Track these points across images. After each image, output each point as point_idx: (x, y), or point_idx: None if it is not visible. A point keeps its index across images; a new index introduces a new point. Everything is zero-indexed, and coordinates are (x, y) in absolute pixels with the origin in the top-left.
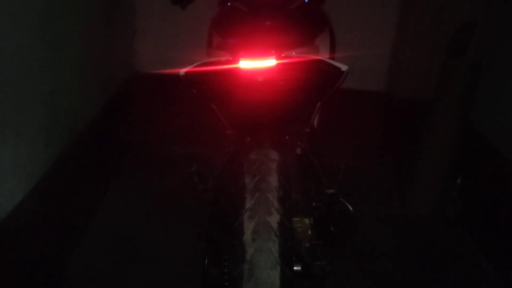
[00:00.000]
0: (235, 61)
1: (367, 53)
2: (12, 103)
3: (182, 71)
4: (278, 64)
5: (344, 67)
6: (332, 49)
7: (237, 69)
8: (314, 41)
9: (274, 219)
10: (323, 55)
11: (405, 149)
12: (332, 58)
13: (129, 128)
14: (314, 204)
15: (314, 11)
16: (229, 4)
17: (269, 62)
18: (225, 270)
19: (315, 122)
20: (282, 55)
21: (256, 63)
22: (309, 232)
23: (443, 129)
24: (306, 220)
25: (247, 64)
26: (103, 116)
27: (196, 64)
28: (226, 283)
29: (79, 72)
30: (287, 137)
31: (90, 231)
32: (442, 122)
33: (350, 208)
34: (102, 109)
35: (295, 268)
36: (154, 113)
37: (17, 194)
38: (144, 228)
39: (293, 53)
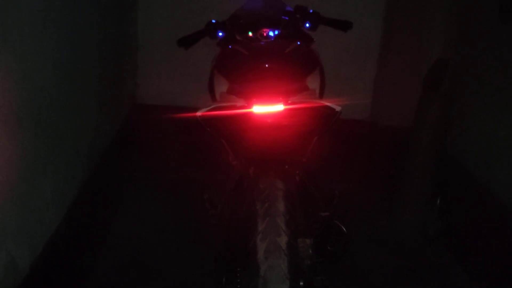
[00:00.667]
0: (249, 106)
1: (352, 86)
2: (50, 141)
3: (199, 113)
4: (285, 109)
5: (338, 108)
6: (322, 85)
7: (251, 113)
8: (307, 82)
9: (283, 240)
10: (315, 92)
11: (389, 174)
12: (323, 93)
13: (133, 158)
14: (312, 226)
15: (307, 53)
16: (230, 46)
17: (278, 108)
18: (239, 286)
19: (312, 152)
20: (289, 101)
21: (268, 109)
22: (310, 251)
23: (421, 156)
24: (307, 240)
25: (260, 109)
26: (113, 148)
27: (212, 107)
28: None
29: (96, 108)
30: (286, 167)
31: (105, 251)
32: (420, 149)
33: (344, 229)
34: (112, 141)
35: (300, 283)
36: (155, 143)
37: (55, 222)
38: (155, 251)
39: (296, 98)
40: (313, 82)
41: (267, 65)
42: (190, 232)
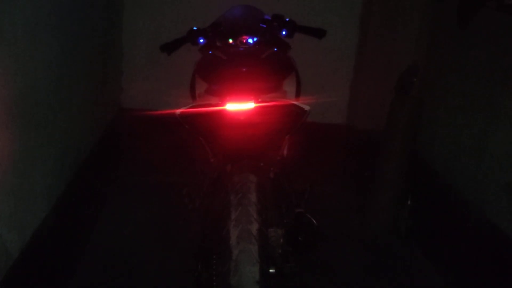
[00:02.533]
0: (223, 104)
1: (329, 91)
2: (39, 138)
3: (178, 110)
4: (256, 107)
5: (307, 107)
6: (298, 89)
7: (224, 110)
8: (283, 86)
9: (254, 227)
10: (291, 95)
11: (363, 174)
12: (298, 97)
13: (117, 160)
14: (285, 221)
15: (282, 58)
16: (210, 52)
17: (249, 105)
18: (214, 272)
19: (285, 152)
20: (259, 99)
21: (239, 106)
22: (281, 240)
23: (393, 157)
24: (279, 231)
25: (232, 107)
26: (98, 150)
27: (190, 105)
28: (214, 282)
29: (82, 109)
30: (262, 164)
31: (90, 247)
32: (391, 151)
33: (315, 222)
34: (97, 143)
35: (270, 270)
36: (139, 146)
37: (43, 212)
38: (135, 247)
39: (267, 97)
40: (288, 87)
41: (244, 69)
42: (171, 231)
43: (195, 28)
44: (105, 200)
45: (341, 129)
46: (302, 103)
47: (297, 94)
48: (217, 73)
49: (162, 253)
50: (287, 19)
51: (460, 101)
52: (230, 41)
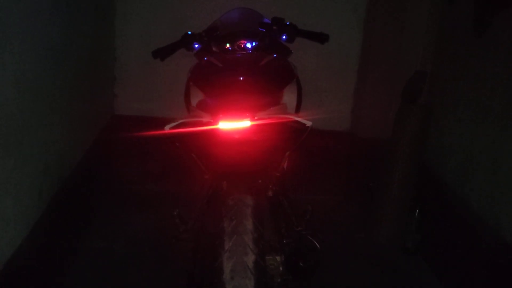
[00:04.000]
0: (215, 122)
1: (332, 97)
2: (13, 159)
3: (168, 126)
4: (252, 125)
5: (308, 123)
6: (299, 97)
7: (216, 129)
8: (284, 94)
9: (250, 259)
10: (291, 104)
11: (368, 186)
12: (300, 104)
13: (109, 168)
14: (285, 241)
15: (282, 65)
16: (205, 58)
17: (244, 124)
18: None
19: (285, 166)
20: (256, 117)
21: (234, 125)
22: (280, 268)
23: (399, 168)
24: (278, 258)
25: (226, 125)
26: (88, 158)
27: (179, 122)
28: None
29: (67, 121)
30: (260, 181)
31: (76, 268)
32: (398, 161)
33: (317, 245)
34: (87, 153)
35: None
36: (132, 154)
37: (17, 239)
38: (125, 265)
39: (265, 113)
40: (289, 95)
41: (241, 78)
42: (164, 245)
43: (189, 32)
44: (96, 213)
45: (345, 137)
46: (303, 117)
47: (298, 102)
48: (211, 84)
49: (154, 273)
50: (288, 23)
51: (472, 110)
52: (227, 45)
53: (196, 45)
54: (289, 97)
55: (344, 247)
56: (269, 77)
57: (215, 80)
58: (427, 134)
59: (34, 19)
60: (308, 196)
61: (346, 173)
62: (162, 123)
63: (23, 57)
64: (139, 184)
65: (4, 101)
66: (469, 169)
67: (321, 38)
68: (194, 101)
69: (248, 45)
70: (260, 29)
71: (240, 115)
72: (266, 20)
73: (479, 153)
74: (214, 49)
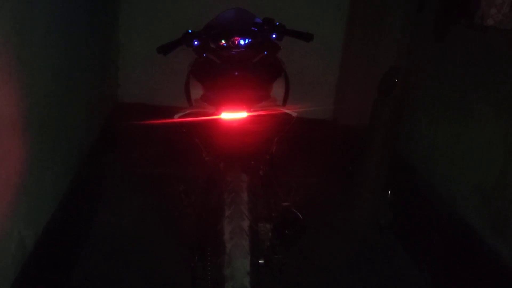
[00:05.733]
0: (218, 113)
1: (316, 88)
2: (48, 142)
3: (176, 117)
4: (248, 116)
5: (294, 114)
6: (287, 89)
7: (219, 119)
8: (273, 90)
9: (245, 224)
10: (280, 96)
11: (347, 169)
12: (287, 96)
13: (115, 154)
14: (273, 214)
15: (272, 62)
16: (204, 54)
17: (242, 115)
18: (209, 264)
19: (274, 150)
20: (251, 109)
21: (234, 115)
22: (270, 234)
23: (375, 154)
24: (267, 225)
25: (227, 116)
26: (98, 145)
27: (187, 112)
28: (209, 273)
29: (84, 110)
30: (252, 163)
31: (91, 237)
32: (373, 148)
33: (300, 216)
34: (97, 139)
35: (260, 261)
36: (136, 140)
37: (52, 209)
38: (133, 237)
39: (259, 106)
40: (278, 87)
41: (236, 73)
42: (167, 222)
43: (190, 31)
44: (104, 193)
45: (328, 125)
46: (290, 109)
47: (286, 95)
48: (211, 79)
49: (159, 244)
50: (277, 23)
51: (437, 104)
52: (223, 41)
53: (196, 42)
54: (278, 89)
55: (325, 223)
56: (261, 73)
57: (213, 75)
58: (399, 124)
59: (60, 21)
60: (294, 178)
61: (328, 157)
62: (161, 111)
63: (59, 52)
64: (142, 167)
65: (46, 93)
66: (434, 156)
67: (306, 37)
68: (193, 93)
69: (242, 42)
70: (252, 28)
71: (238, 107)
72: (258, 20)
73: (442, 142)
74: (211, 45)
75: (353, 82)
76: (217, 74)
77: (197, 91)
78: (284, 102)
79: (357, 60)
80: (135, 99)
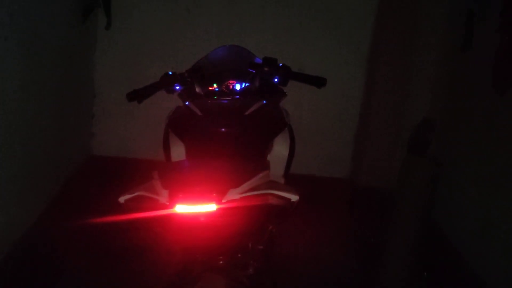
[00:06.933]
0: (171, 204)
1: (331, 141)
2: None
3: (122, 198)
4: (218, 209)
5: (294, 198)
6: (292, 147)
7: (173, 214)
8: (272, 150)
9: None
10: (283, 154)
11: (369, 241)
12: (292, 156)
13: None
14: None
15: (272, 113)
16: (187, 103)
17: (209, 208)
18: None
19: (267, 239)
20: (225, 199)
21: (194, 208)
22: None
23: (405, 225)
24: None
25: (183, 209)
26: (56, 203)
27: (136, 194)
28: None
29: (40, 162)
30: (239, 255)
31: None
32: (404, 218)
33: None
34: (56, 196)
35: None
36: (108, 200)
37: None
38: None
39: (241, 189)
40: (278, 147)
41: (223, 129)
42: None
43: (170, 72)
44: (61, 271)
45: (344, 184)
46: (290, 190)
47: (291, 152)
48: (190, 137)
49: None
50: (280, 64)
51: (492, 172)
52: (215, 85)
53: (177, 87)
54: (278, 150)
55: None
56: (254, 130)
57: (192, 132)
58: (436, 190)
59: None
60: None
61: (346, 224)
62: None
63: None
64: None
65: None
66: (486, 240)
67: (317, 82)
68: (174, 150)
69: (238, 86)
70: (249, 69)
71: (204, 197)
72: (258, 60)
73: (497, 217)
74: (197, 90)
75: (375, 136)
76: (196, 131)
77: (178, 148)
78: (287, 169)
79: (380, 107)
80: (112, 151)
